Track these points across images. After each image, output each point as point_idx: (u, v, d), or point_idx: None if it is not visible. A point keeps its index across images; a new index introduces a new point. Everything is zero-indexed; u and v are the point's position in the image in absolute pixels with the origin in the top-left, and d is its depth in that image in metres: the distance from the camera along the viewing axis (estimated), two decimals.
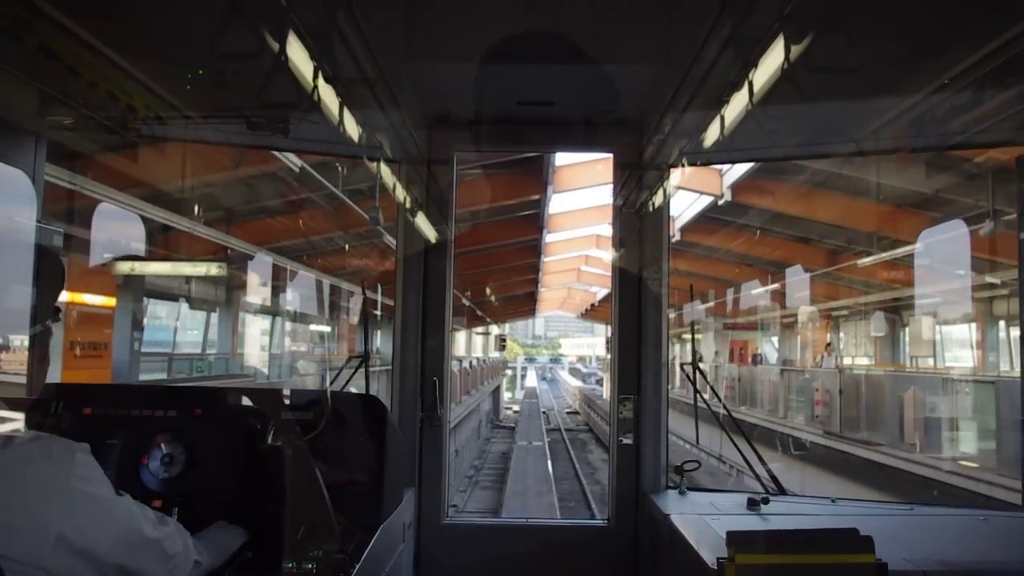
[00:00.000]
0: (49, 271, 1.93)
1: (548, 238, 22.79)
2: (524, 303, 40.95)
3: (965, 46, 3.45)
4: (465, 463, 22.52)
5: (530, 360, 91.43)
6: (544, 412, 41.85)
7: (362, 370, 4.03)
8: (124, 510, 1.83)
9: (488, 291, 29.32)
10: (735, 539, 2.45)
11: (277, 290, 22.46)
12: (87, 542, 1.68)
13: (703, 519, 3.32)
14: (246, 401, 3.09)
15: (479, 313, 34.56)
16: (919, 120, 4.19)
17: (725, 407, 4.32)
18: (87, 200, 10.03)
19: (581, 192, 18.13)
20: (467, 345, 40.29)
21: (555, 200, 18.61)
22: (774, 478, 3.90)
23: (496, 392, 37.35)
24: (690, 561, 2.82)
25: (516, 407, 45.34)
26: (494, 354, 43.41)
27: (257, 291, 20.87)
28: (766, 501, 3.62)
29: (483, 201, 15.52)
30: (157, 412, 2.92)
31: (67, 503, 1.69)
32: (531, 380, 73.32)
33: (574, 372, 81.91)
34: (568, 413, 44.97)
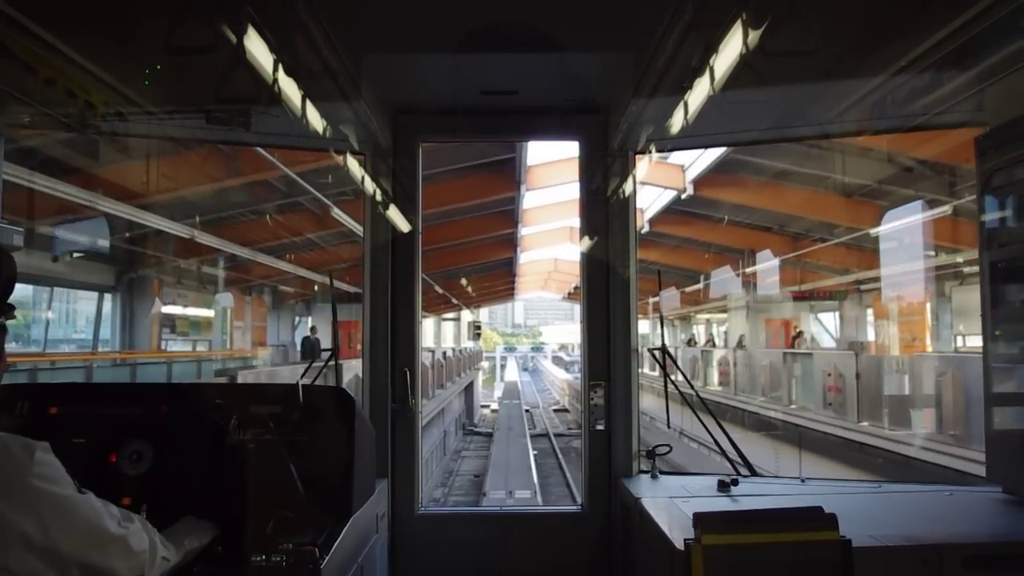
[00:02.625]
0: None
1: (526, 202, 20.81)
2: (500, 283, 36.69)
3: (923, 28, 3.48)
4: (424, 494, 18.30)
5: (510, 350, 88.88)
6: (527, 410, 37.05)
7: (332, 364, 4.04)
8: (87, 507, 1.82)
9: (459, 274, 27.43)
10: (701, 520, 2.48)
11: None
12: (48, 540, 1.67)
13: (673, 502, 3.36)
14: (214, 397, 3.08)
15: (448, 296, 31.56)
16: (880, 103, 4.23)
17: (693, 388, 4.35)
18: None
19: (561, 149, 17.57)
20: (435, 334, 37.74)
21: (533, 153, 17.46)
22: (744, 458, 3.94)
23: (469, 390, 32.36)
24: (660, 544, 2.85)
25: (494, 405, 40.51)
26: (467, 344, 39.17)
27: None
28: (736, 483, 3.66)
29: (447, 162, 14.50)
30: (124, 410, 2.92)
31: (27, 502, 1.68)
32: (512, 372, 69.01)
33: (557, 361, 79.19)
34: (556, 411, 40.24)
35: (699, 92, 3.45)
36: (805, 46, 2.99)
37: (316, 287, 25.40)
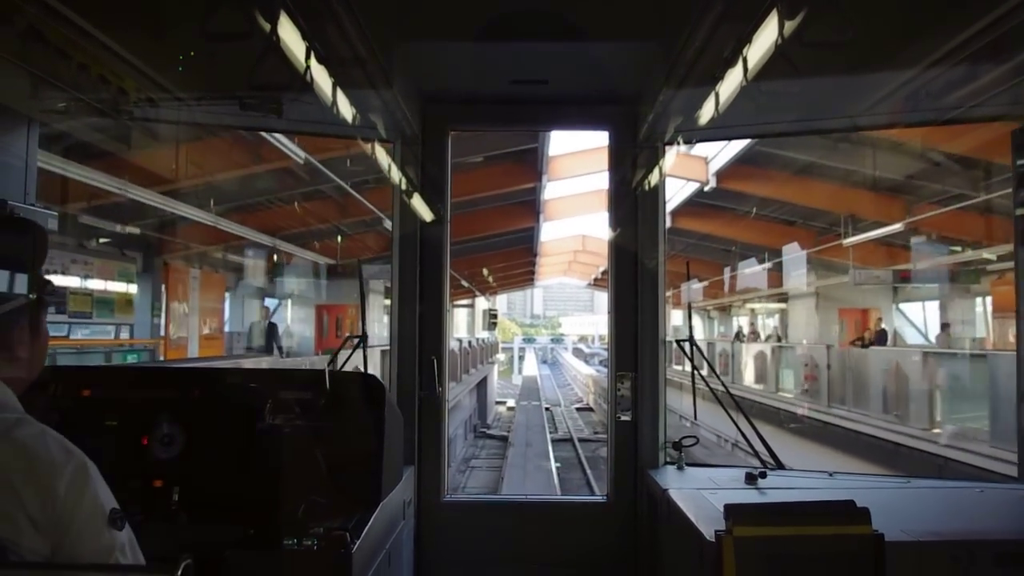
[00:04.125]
0: (32, 242, 1.89)
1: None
2: (519, 263, 31.71)
3: (960, 19, 3.43)
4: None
5: (528, 341, 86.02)
6: (548, 409, 32.84)
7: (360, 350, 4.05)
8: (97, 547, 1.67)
9: (473, 251, 23.60)
10: (732, 512, 2.47)
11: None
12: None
13: (701, 493, 3.35)
14: (246, 381, 3.11)
15: (459, 279, 27.38)
16: (914, 95, 4.18)
17: (722, 381, 4.32)
18: None
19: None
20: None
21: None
22: (772, 452, 3.92)
23: (482, 387, 27.84)
24: (688, 535, 2.85)
25: (511, 402, 35.89)
26: (482, 334, 35.30)
27: None
28: (764, 475, 3.65)
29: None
30: (156, 393, 2.95)
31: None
32: (530, 365, 63.67)
33: (577, 353, 76.45)
34: (579, 410, 34.91)
35: (730, 83, 3.41)
36: (840, 36, 2.95)
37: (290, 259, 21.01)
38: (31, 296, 1.81)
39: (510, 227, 22.06)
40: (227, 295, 22.70)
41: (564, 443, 23.45)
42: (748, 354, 24.01)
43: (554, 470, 17.90)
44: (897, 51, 3.71)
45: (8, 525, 1.55)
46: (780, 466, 3.90)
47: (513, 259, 30.02)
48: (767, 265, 23.48)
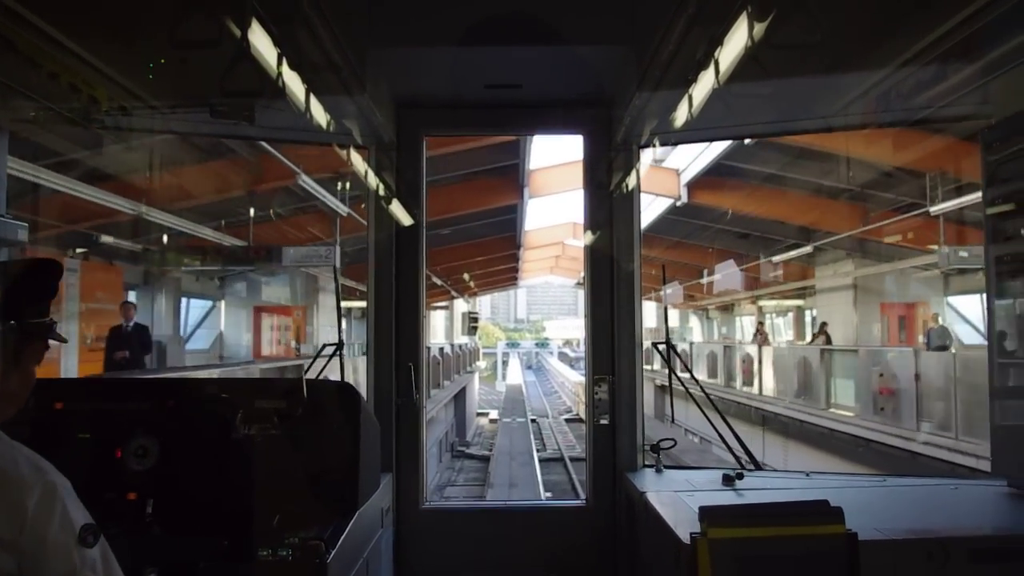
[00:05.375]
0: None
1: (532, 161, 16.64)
2: (502, 260, 28.85)
3: (929, 21, 3.48)
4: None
5: (512, 345, 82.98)
6: (534, 420, 29.93)
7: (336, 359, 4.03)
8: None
9: (447, 241, 20.29)
10: (707, 514, 2.48)
11: None
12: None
13: (678, 496, 3.36)
14: (220, 391, 3.08)
15: (434, 279, 24.59)
16: (885, 96, 4.22)
17: (698, 382, 4.34)
18: None
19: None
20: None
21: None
22: (749, 453, 3.94)
23: (460, 399, 25.10)
24: (665, 537, 2.85)
25: (493, 414, 32.74)
26: (461, 339, 32.86)
27: None
28: (741, 476, 3.66)
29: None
30: (130, 405, 2.92)
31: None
32: (514, 372, 59.19)
33: (563, 357, 73.36)
34: (568, 421, 31.13)
35: (703, 85, 3.44)
36: (810, 39, 2.98)
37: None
38: (9, 323, 1.75)
39: (491, 204, 18.78)
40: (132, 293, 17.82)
41: (554, 463, 20.53)
42: (779, 359, 19.56)
43: (543, 496, 15.88)
44: (866, 52, 3.75)
45: None
46: (757, 467, 3.92)
47: (494, 251, 26.48)
48: (807, 249, 19.66)
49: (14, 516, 1.57)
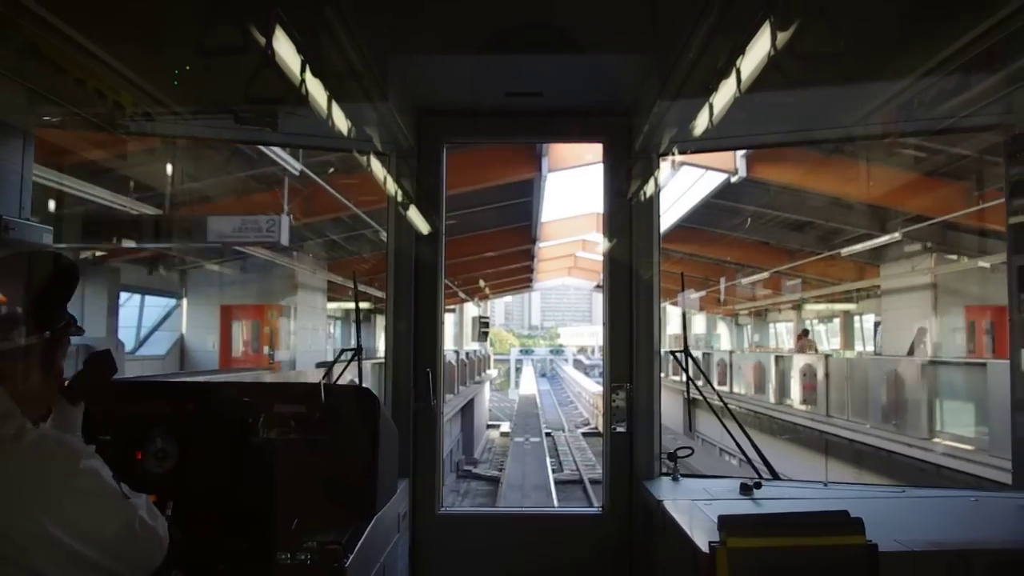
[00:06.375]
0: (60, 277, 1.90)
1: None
2: (515, 257, 26.30)
3: (952, 29, 3.45)
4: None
5: (526, 352, 79.86)
6: (549, 434, 28.15)
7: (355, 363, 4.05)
8: (122, 515, 1.81)
9: (465, 245, 19.41)
10: (726, 523, 2.47)
11: None
12: (79, 546, 1.66)
13: (696, 504, 3.35)
14: (239, 395, 3.10)
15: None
16: (908, 105, 4.20)
17: (717, 393, 4.32)
18: None
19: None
20: None
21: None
22: (767, 463, 3.92)
23: (468, 412, 23.40)
24: (683, 546, 2.84)
25: (505, 426, 30.82)
26: (471, 346, 30.68)
27: None
28: (759, 486, 3.64)
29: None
30: (150, 408, 2.94)
31: (64, 507, 1.67)
32: (528, 381, 56.46)
33: (578, 365, 72.87)
34: (586, 435, 28.92)
35: (724, 94, 3.43)
36: (833, 48, 2.97)
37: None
38: (46, 334, 1.81)
39: (506, 178, 15.97)
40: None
41: (573, 486, 18.64)
42: (855, 373, 15.72)
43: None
44: (889, 62, 3.73)
45: (29, 521, 1.60)
46: (775, 476, 3.90)
47: (507, 244, 23.80)
48: (885, 239, 16.54)
49: (64, 485, 1.71)
